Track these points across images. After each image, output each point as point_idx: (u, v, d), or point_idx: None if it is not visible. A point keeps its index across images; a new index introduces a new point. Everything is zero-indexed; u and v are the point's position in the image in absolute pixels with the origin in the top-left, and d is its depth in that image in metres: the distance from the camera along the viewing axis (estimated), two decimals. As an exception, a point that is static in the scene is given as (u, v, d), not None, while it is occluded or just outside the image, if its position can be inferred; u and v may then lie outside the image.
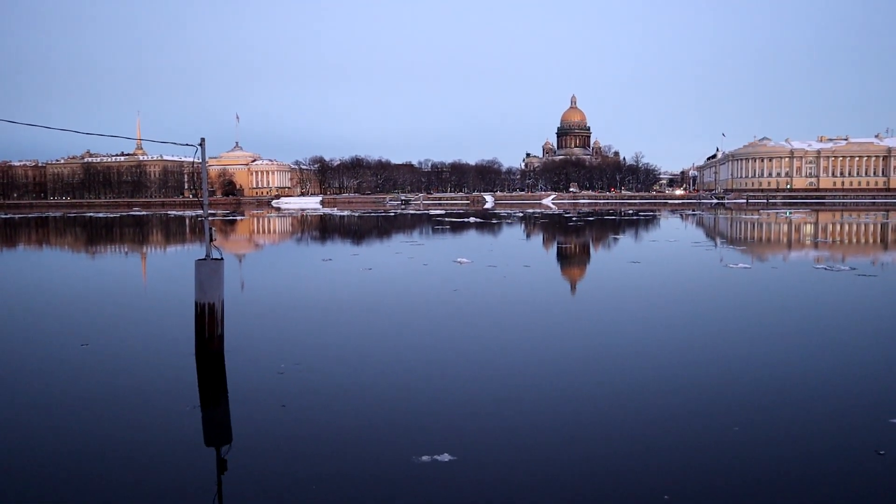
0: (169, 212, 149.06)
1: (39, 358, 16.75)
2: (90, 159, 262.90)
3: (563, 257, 45.07)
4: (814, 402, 12.83)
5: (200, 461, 10.48)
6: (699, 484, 9.39)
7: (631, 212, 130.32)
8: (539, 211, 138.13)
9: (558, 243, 56.88)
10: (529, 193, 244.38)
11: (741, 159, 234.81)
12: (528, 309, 23.43)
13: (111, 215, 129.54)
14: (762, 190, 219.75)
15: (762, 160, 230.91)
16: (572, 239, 60.46)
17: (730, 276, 31.91)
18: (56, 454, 10.61)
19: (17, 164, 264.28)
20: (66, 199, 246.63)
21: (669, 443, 10.81)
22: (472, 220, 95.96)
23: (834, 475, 9.64)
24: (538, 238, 64.82)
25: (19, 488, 9.45)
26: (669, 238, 60.11)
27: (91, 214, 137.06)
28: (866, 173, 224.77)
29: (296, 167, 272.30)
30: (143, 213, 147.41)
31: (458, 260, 37.86)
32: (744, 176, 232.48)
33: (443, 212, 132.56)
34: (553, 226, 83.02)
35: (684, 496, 8.99)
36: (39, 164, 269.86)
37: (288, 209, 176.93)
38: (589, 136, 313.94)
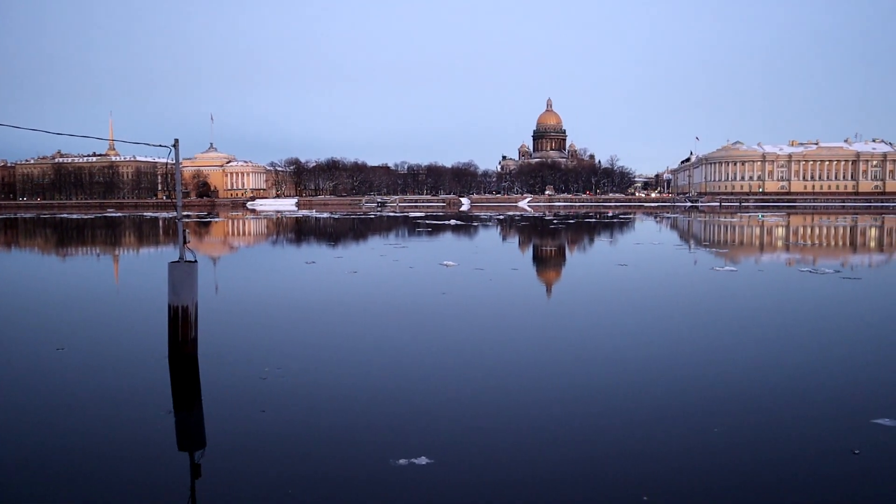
0: (144, 213, 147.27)
1: (12, 361, 16.46)
2: (61, 160, 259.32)
3: (550, 260, 45.10)
4: (796, 402, 12.95)
5: (174, 466, 10.34)
6: (678, 484, 9.42)
7: (610, 214, 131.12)
8: (516, 214, 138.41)
9: (543, 246, 57.06)
10: (505, 196, 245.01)
11: (714, 163, 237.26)
12: (517, 312, 23.44)
13: (86, 217, 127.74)
14: (735, 193, 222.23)
15: (735, 164, 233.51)
16: (556, 242, 60.66)
17: (717, 279, 32.21)
18: (28, 458, 10.40)
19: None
20: (37, 199, 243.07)
21: (650, 444, 10.85)
22: (452, 222, 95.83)
23: (811, 475, 9.72)
24: (522, 241, 64.84)
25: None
26: (653, 241, 60.58)
27: (65, 216, 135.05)
28: (836, 177, 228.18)
29: (271, 169, 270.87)
30: (118, 214, 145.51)
31: (444, 263, 37.53)
32: (717, 179, 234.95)
33: (422, 214, 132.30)
34: (535, 228, 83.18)
35: (663, 496, 9.02)
36: (8, 165, 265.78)
37: (263, 211, 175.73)
38: (565, 140, 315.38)
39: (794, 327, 20.51)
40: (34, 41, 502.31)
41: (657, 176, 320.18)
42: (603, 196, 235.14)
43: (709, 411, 12.40)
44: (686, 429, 11.55)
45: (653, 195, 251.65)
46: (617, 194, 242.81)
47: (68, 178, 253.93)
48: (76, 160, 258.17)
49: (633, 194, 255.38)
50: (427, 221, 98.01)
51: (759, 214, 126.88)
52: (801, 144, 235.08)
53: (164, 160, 16.49)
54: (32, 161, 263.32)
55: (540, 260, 46.03)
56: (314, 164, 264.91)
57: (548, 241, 61.62)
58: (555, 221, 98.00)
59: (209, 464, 10.31)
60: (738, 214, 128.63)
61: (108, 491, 9.34)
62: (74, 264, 45.18)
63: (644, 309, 23.50)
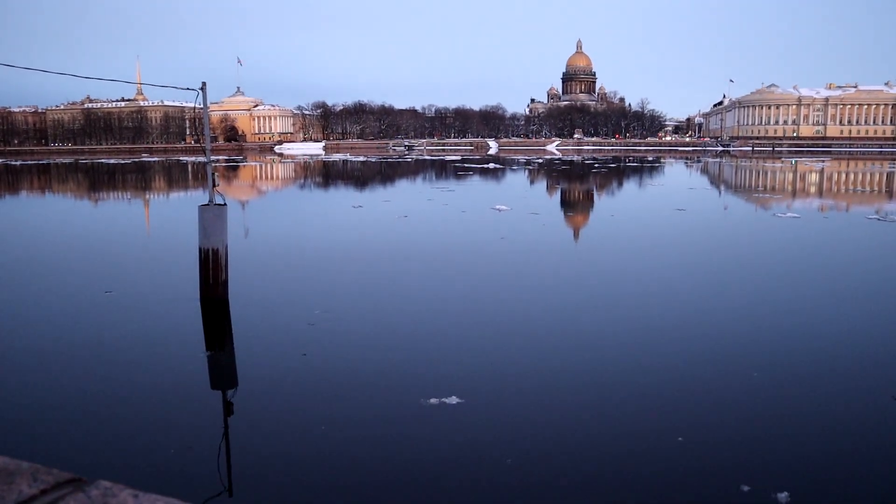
0: (179, 158, 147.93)
1: (53, 304, 16.80)
2: (90, 105, 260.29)
3: (601, 204, 44.21)
4: (844, 351, 12.84)
5: (207, 404, 10.60)
6: (712, 425, 9.45)
7: (651, 159, 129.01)
8: (548, 157, 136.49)
9: (590, 190, 56.29)
10: (534, 139, 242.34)
11: (748, 106, 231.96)
12: (572, 258, 23.32)
13: (122, 161, 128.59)
14: (768, 137, 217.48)
15: (769, 107, 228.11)
16: (603, 186, 60.01)
17: (783, 227, 31.18)
18: (69, 398, 10.72)
19: (16, 110, 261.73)
20: (68, 145, 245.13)
21: (682, 386, 10.91)
22: (491, 165, 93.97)
23: (852, 421, 9.72)
24: (569, 185, 63.39)
25: (39, 425, 9.55)
26: (703, 186, 59.94)
27: (103, 160, 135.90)
28: (874, 122, 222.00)
29: (298, 112, 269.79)
30: (152, 159, 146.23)
31: (497, 207, 36.63)
32: (750, 123, 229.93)
33: (459, 157, 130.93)
34: (576, 172, 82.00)
35: (698, 438, 9.09)
36: (39, 110, 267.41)
37: (291, 155, 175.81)
38: (594, 82, 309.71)
39: (868, 275, 20.22)
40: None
41: (688, 120, 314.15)
42: (633, 140, 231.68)
43: (765, 355, 12.39)
44: (720, 373, 11.56)
45: (684, 139, 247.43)
46: (647, 138, 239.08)
47: (98, 124, 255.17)
48: (105, 105, 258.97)
49: (664, 138, 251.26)
50: (466, 165, 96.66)
51: (793, 160, 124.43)
52: (840, 87, 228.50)
53: (192, 104, 16.36)
54: (62, 107, 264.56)
55: (593, 205, 45.07)
56: (341, 107, 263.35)
57: (594, 186, 60.65)
58: (596, 165, 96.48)
59: (241, 402, 10.54)
60: (773, 159, 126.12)
61: (146, 424, 9.61)
62: (108, 209, 45.92)
63: (699, 256, 23.33)
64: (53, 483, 1.14)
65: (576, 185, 61.86)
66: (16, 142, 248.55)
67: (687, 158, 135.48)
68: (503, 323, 14.65)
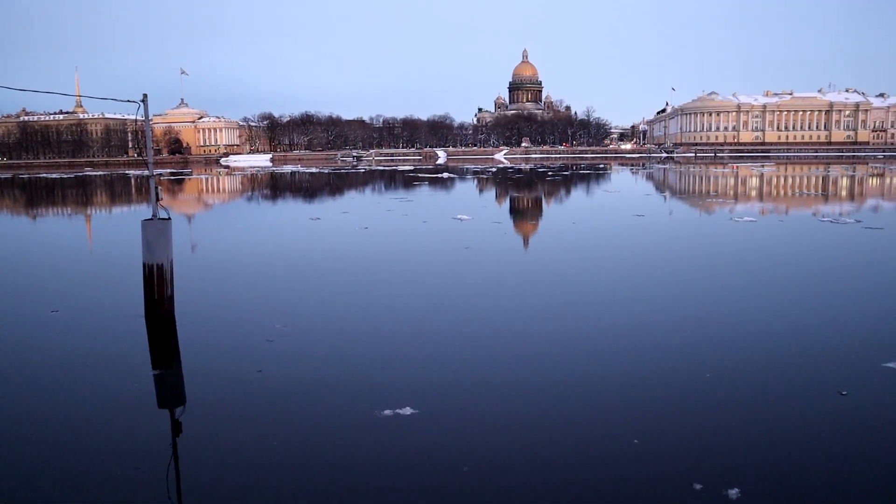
0: (125, 171, 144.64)
1: None
2: (26, 118, 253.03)
3: (564, 213, 44.36)
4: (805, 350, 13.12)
5: (154, 423, 10.34)
6: (666, 430, 9.57)
7: (601, 166, 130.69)
8: (501, 166, 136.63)
9: (550, 198, 56.57)
10: (482, 148, 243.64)
11: (690, 113, 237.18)
12: (538, 265, 23.34)
13: (64, 176, 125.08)
14: (710, 144, 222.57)
15: (710, 114, 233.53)
16: (561, 193, 60.46)
17: (740, 230, 31.73)
18: (11, 421, 10.35)
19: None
20: (3, 159, 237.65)
21: (639, 389, 11.07)
22: (445, 175, 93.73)
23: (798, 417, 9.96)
24: (526, 194, 63.57)
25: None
26: (660, 192, 61.22)
27: (44, 175, 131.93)
28: (810, 127, 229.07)
29: (244, 124, 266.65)
30: (96, 173, 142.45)
31: (458, 217, 36.32)
32: (692, 130, 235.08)
33: (411, 167, 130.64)
34: (533, 181, 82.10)
35: (654, 439, 9.21)
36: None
37: (238, 167, 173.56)
38: (541, 91, 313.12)
39: (822, 275, 20.75)
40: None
41: (633, 127, 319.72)
42: (579, 148, 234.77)
43: (714, 355, 12.64)
44: (680, 373, 11.77)
45: (629, 146, 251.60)
46: (593, 146, 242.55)
47: (35, 137, 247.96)
48: (42, 118, 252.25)
49: (609, 146, 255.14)
50: (420, 175, 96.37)
51: (737, 166, 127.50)
52: (776, 95, 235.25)
53: (134, 117, 15.97)
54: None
55: (555, 212, 45.28)
56: (288, 118, 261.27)
57: (550, 194, 60.99)
58: (549, 174, 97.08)
59: (190, 420, 10.33)
60: (716, 164, 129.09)
61: (92, 446, 9.34)
62: (49, 224, 44.60)
63: (662, 261, 23.56)
64: None
65: (533, 194, 62.23)
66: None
67: (633, 165, 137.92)
68: (468, 333, 14.67)
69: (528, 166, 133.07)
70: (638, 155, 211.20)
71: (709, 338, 14.00)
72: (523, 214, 42.98)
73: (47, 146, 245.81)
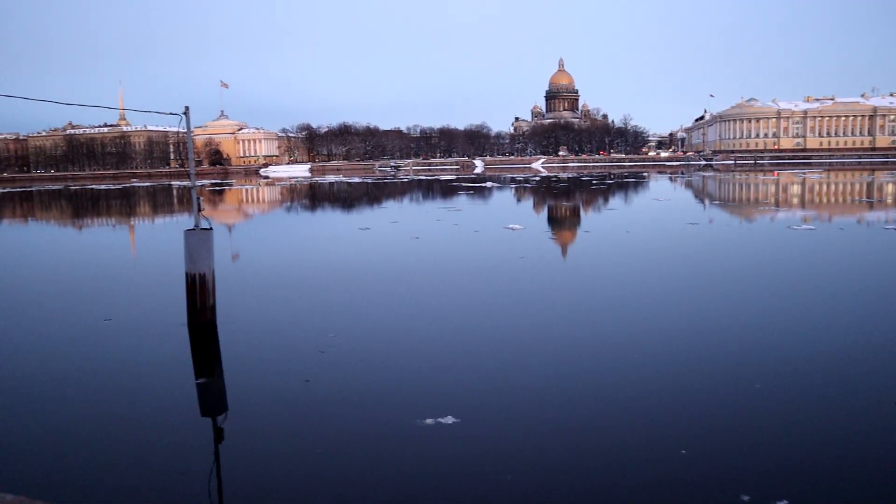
0: (169, 182, 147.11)
1: (50, 332, 16.57)
2: (73, 131, 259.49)
3: (617, 220, 42.94)
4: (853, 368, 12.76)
5: (197, 430, 10.46)
6: (714, 439, 9.41)
7: (645, 175, 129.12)
8: (541, 175, 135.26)
9: (599, 206, 55.78)
10: (519, 157, 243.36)
11: (729, 120, 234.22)
12: (595, 274, 22.89)
13: (111, 187, 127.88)
14: (750, 151, 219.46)
15: (749, 121, 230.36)
16: (609, 202, 59.70)
17: (801, 238, 30.54)
18: (64, 419, 10.57)
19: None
20: (50, 172, 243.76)
21: (686, 399, 10.89)
22: (488, 184, 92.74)
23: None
24: (574, 202, 62.27)
25: (25, 456, 9.40)
26: (708, 200, 60.30)
27: (93, 187, 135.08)
28: (852, 133, 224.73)
29: (283, 135, 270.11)
30: (141, 184, 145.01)
31: (510, 226, 35.77)
32: (731, 137, 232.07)
33: (454, 177, 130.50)
34: (577, 190, 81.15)
35: (702, 448, 9.06)
36: (21, 137, 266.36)
37: (277, 177, 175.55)
38: (577, 99, 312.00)
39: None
40: (44, 13, 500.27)
41: (671, 135, 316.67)
42: (617, 156, 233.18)
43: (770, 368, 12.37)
44: (731, 382, 11.59)
45: (667, 154, 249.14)
46: (630, 154, 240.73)
47: (80, 150, 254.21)
48: (87, 131, 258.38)
49: (647, 154, 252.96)
50: (463, 184, 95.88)
51: (779, 173, 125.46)
52: (817, 100, 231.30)
53: (176, 129, 16.24)
54: (44, 133, 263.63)
55: (602, 221, 44.09)
56: (326, 129, 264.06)
57: (599, 202, 59.99)
58: (593, 182, 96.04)
59: (232, 427, 10.42)
60: (755, 172, 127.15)
61: (135, 453, 9.47)
62: (97, 234, 45.57)
63: (720, 269, 23.10)
64: None
65: (580, 203, 61.23)
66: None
67: (672, 173, 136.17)
68: (519, 343, 14.48)
69: (566, 175, 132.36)
70: (676, 163, 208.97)
71: (769, 347, 13.68)
72: (574, 223, 42.44)
73: (92, 158, 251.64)
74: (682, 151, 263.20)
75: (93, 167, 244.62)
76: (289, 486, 8.45)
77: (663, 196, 67.47)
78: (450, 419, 10.06)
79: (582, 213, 51.76)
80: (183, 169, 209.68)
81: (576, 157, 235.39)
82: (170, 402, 11.51)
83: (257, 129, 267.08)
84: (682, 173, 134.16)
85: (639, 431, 9.78)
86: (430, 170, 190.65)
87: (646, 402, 10.87)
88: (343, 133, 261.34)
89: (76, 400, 11.75)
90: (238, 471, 8.94)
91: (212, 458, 9.29)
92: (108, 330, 16.49)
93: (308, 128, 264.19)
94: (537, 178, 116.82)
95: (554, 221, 44.99)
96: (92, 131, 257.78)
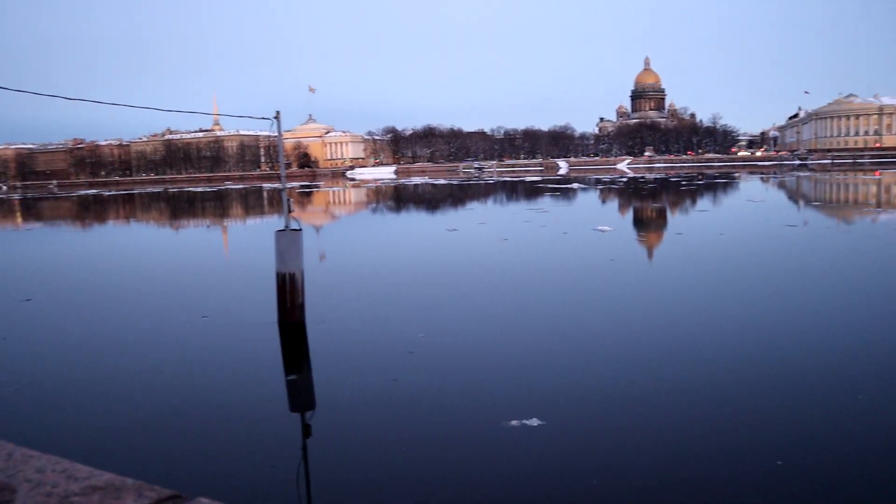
0: (261, 184, 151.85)
1: (153, 328, 17.31)
2: (171, 136, 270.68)
3: (709, 222, 41.56)
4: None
5: (286, 426, 10.76)
6: (809, 450, 9.04)
7: (737, 175, 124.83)
8: (628, 176, 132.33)
9: (689, 207, 54.46)
10: (603, 158, 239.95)
11: (825, 118, 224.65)
12: (686, 277, 22.27)
13: (208, 189, 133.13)
14: (848, 150, 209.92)
15: (848, 118, 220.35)
16: (701, 203, 58.15)
17: None
18: (162, 411, 11.06)
19: (103, 143, 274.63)
20: (150, 175, 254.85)
21: (791, 415, 10.46)
22: (575, 186, 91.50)
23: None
24: (663, 203, 60.75)
25: (131, 442, 9.87)
26: (806, 201, 58.08)
27: (190, 189, 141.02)
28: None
29: (369, 138, 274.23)
30: (235, 186, 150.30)
31: (599, 228, 35.21)
32: (828, 135, 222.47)
33: (539, 178, 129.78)
34: (667, 191, 79.36)
35: (798, 460, 8.74)
36: (124, 143, 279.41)
37: (364, 179, 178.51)
38: (664, 99, 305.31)
39: None
40: (144, 24, 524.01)
41: (762, 134, 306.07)
42: (705, 156, 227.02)
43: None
44: (833, 392, 11.17)
45: (759, 154, 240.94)
46: (719, 154, 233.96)
47: (178, 154, 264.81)
48: (184, 136, 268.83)
49: (737, 153, 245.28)
50: (549, 185, 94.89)
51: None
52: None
53: (266, 133, 17.02)
54: (145, 139, 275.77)
55: (695, 223, 42.51)
56: (410, 131, 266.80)
57: (690, 203, 58.30)
58: (682, 183, 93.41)
59: (319, 424, 10.67)
60: (855, 172, 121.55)
61: (227, 444, 9.83)
62: (195, 235, 47.57)
63: (826, 274, 22.15)
64: (156, 499, 1.20)
65: (669, 204, 59.65)
66: (103, 173, 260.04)
67: (763, 173, 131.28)
68: (608, 345, 14.31)
69: (653, 176, 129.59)
70: (769, 163, 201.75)
71: (876, 357, 13.06)
72: (665, 225, 41.58)
73: (188, 162, 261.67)
74: (775, 151, 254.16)
75: (189, 170, 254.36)
76: (373, 482, 8.58)
77: (757, 197, 64.99)
78: (535, 421, 10.00)
79: (672, 214, 50.64)
80: (273, 172, 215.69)
81: (662, 157, 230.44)
82: (261, 397, 11.88)
83: (344, 132, 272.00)
84: (776, 174, 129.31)
85: (734, 440, 9.48)
86: (513, 171, 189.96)
87: (740, 408, 10.54)
88: (427, 135, 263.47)
89: (176, 391, 12.28)
90: (325, 466, 9.15)
91: (300, 453, 9.53)
92: (205, 326, 17.18)
93: (393, 130, 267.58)
94: (624, 180, 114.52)
95: (643, 223, 44.12)
96: (188, 136, 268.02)
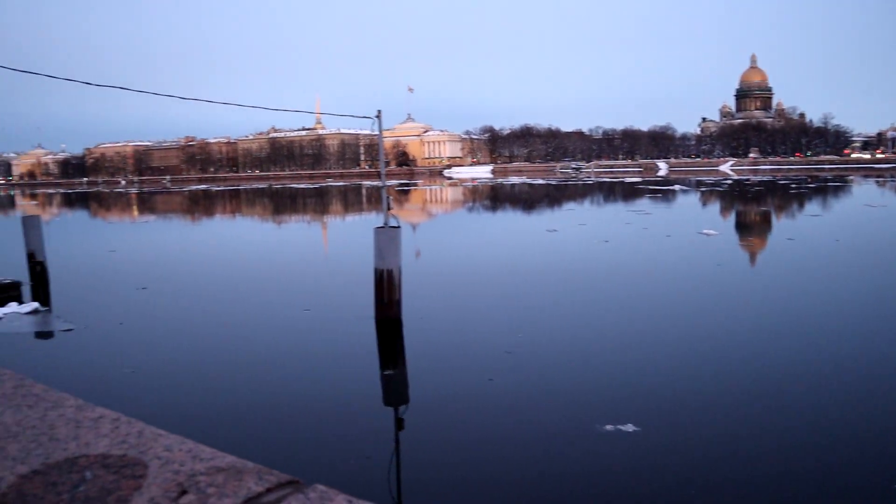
0: (361, 182, 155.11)
1: (261, 319, 18.02)
2: (275, 135, 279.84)
3: (825, 229, 38.80)
4: None
5: (380, 419, 11.04)
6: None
7: (850, 178, 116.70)
8: (731, 178, 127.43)
9: (799, 212, 52.21)
10: (705, 160, 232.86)
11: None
12: (795, 286, 21.20)
13: (310, 186, 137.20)
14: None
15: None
16: (812, 207, 55.43)
17: None
18: (266, 399, 11.57)
19: (212, 140, 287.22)
20: (255, 172, 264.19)
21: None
22: (677, 187, 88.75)
23: None
24: (772, 207, 58.34)
25: (236, 432, 10.37)
26: None
27: (294, 186, 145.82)
28: None
29: (466, 137, 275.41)
30: (337, 183, 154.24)
31: (705, 232, 34.07)
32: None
33: (639, 179, 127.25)
34: (775, 194, 76.03)
35: None
36: (231, 141, 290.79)
37: (461, 178, 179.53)
38: (770, 98, 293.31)
39: None
40: (251, 28, 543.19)
41: (879, 134, 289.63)
42: (815, 158, 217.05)
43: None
44: None
45: (879, 155, 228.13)
46: (831, 156, 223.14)
47: (281, 152, 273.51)
48: (288, 135, 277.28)
49: (850, 155, 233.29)
50: (649, 187, 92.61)
51: None
52: None
53: (366, 132, 17.51)
54: (251, 137, 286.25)
55: (808, 229, 39.89)
56: (508, 131, 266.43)
57: (799, 207, 55.56)
58: (792, 186, 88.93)
59: (412, 419, 10.89)
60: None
61: (326, 433, 10.19)
62: (298, 230, 49.37)
63: None
64: (276, 483, 1.25)
65: (779, 208, 57.19)
66: (211, 169, 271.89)
67: (880, 177, 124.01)
68: (715, 355, 13.84)
69: (758, 178, 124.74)
70: (887, 165, 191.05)
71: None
72: (774, 229, 40.00)
73: (291, 159, 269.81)
74: (893, 152, 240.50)
75: (292, 167, 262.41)
76: (464, 479, 8.67)
77: (876, 202, 61.24)
78: (630, 427, 9.86)
79: (782, 218, 48.60)
80: (372, 170, 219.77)
81: (768, 159, 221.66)
82: (357, 390, 12.23)
83: (441, 131, 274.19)
84: (893, 177, 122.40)
85: (850, 456, 9.08)
86: (611, 172, 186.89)
87: (856, 424, 10.09)
88: (524, 135, 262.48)
89: (280, 380, 12.78)
90: (416, 460, 9.32)
91: (392, 446, 9.77)
92: (307, 319, 17.78)
93: (490, 130, 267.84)
94: (728, 182, 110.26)
95: (751, 227, 42.54)
96: (292, 135, 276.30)
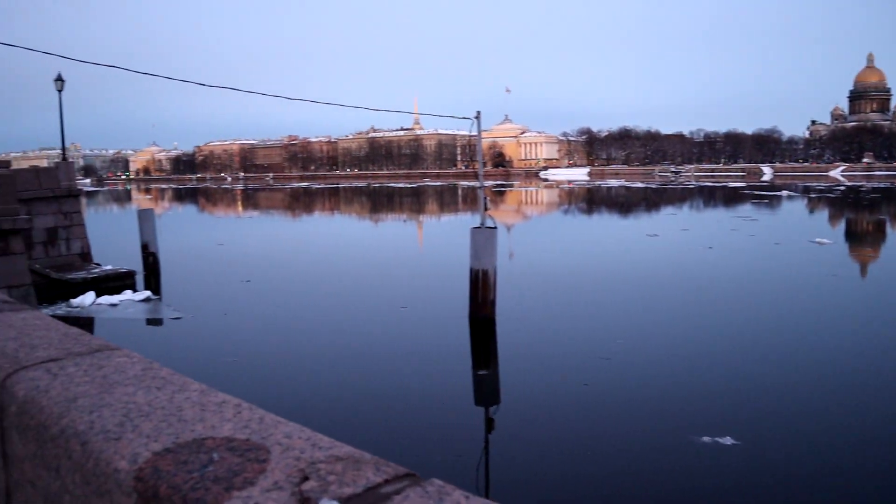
0: (458, 182, 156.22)
1: (361, 316, 18.36)
2: (374, 134, 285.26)
3: None
4: None
5: (471, 417, 11.20)
6: None
7: None
8: (844, 185, 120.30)
9: None
10: (814, 165, 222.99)
11: None
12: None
13: (408, 185, 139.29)
14: None
15: None
16: None
17: None
18: (366, 393, 11.91)
19: (314, 140, 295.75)
20: (354, 170, 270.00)
21: None
22: (785, 193, 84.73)
23: None
24: (888, 215, 55.31)
25: (340, 423, 10.74)
26: None
27: (392, 185, 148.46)
28: None
29: (563, 138, 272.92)
30: (435, 183, 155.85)
31: (817, 240, 32.27)
32: None
33: (743, 184, 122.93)
34: (892, 201, 72.49)
35: None
36: (332, 140, 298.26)
37: (557, 180, 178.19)
38: (889, 99, 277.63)
39: None
40: (353, 29, 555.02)
41: None
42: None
43: None
44: None
45: None
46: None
47: (380, 151, 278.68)
48: (386, 135, 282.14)
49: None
50: (755, 192, 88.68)
51: None
52: None
53: (464, 132, 17.69)
54: (351, 136, 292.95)
55: None
56: (606, 133, 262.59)
57: None
58: None
59: (503, 419, 10.98)
60: None
61: (414, 432, 10.40)
62: (395, 228, 50.18)
63: None
64: (393, 475, 1.28)
65: None
66: (312, 167, 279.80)
67: None
68: (826, 371, 13.27)
69: (873, 185, 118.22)
70: None
71: None
72: (894, 239, 38.02)
73: (389, 159, 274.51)
74: None
75: (390, 167, 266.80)
76: (553, 483, 8.69)
77: None
78: (728, 440, 9.58)
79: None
80: (469, 170, 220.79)
81: (884, 164, 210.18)
82: (450, 388, 12.44)
83: (538, 132, 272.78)
84: None
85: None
86: (712, 176, 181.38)
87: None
88: (622, 137, 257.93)
89: (377, 375, 13.07)
90: (505, 460, 9.39)
91: (482, 445, 9.89)
92: (404, 316, 18.14)
93: (588, 131, 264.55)
94: (840, 188, 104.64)
95: (867, 237, 40.28)
96: (390, 135, 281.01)
